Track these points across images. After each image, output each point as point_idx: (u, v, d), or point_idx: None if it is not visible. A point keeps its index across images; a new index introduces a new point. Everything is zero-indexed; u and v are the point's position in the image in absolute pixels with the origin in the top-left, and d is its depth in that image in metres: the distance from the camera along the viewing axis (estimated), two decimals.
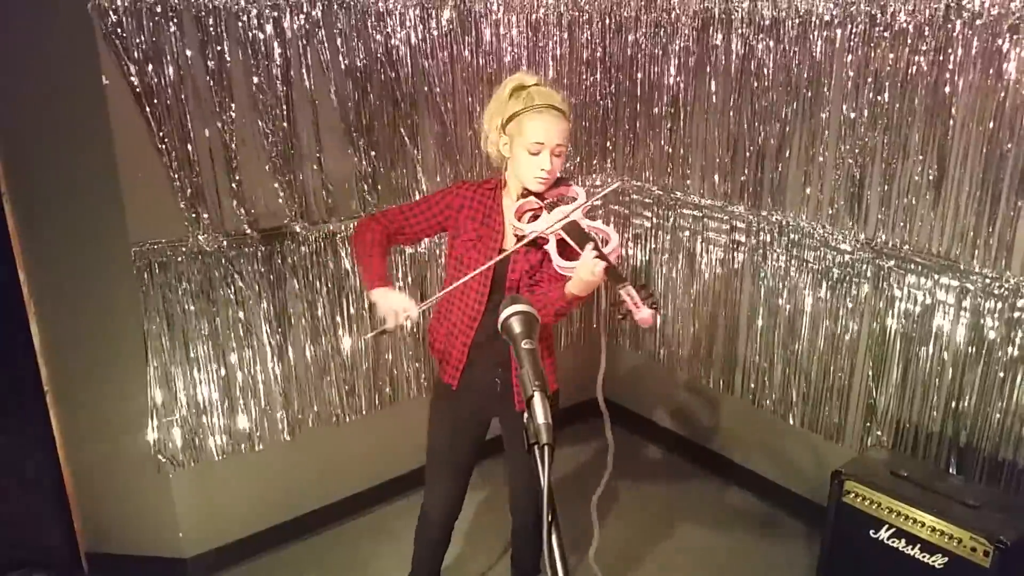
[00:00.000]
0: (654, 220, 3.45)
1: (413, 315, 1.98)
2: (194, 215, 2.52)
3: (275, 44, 2.52)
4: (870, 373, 2.82)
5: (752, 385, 3.22)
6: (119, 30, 2.26)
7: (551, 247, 2.03)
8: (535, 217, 2.08)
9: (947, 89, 2.42)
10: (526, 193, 2.08)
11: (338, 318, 2.91)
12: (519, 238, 2.07)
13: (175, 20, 2.34)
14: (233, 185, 2.57)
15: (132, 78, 2.31)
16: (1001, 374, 2.47)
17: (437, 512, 2.33)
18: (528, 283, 2.10)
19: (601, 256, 1.91)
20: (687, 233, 3.33)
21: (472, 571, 2.89)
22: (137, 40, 2.29)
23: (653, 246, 3.49)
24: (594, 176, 3.54)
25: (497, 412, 2.29)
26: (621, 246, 2.08)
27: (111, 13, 2.24)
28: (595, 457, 3.56)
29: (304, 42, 2.58)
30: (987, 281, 2.44)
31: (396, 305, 1.97)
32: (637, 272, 3.62)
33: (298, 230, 2.74)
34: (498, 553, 2.96)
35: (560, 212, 2.04)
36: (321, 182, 2.75)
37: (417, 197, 2.94)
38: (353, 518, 3.16)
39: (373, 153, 2.83)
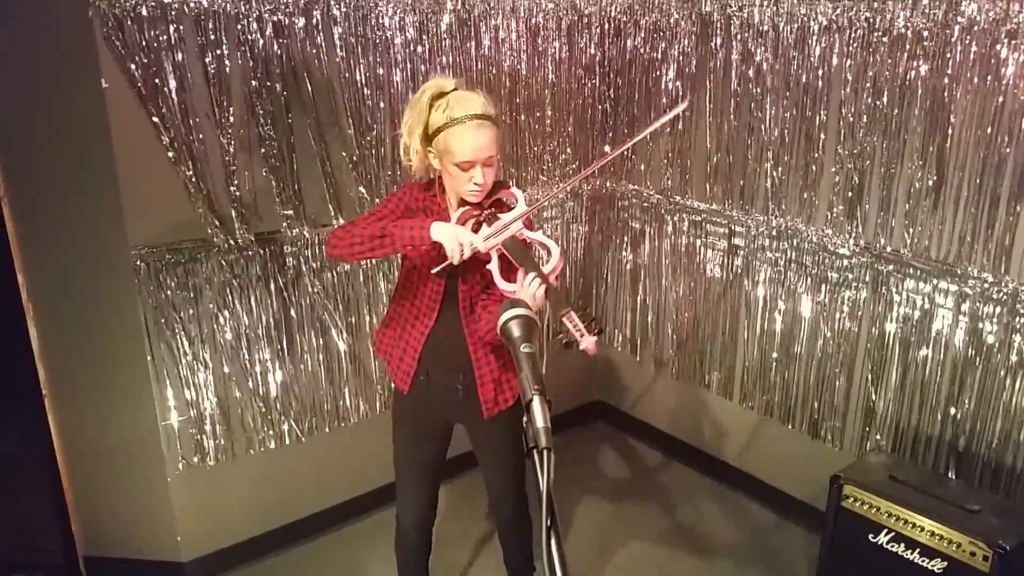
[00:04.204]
0: (652, 224, 3.45)
1: (480, 247, 1.87)
2: (194, 218, 2.52)
3: (275, 47, 2.53)
4: (869, 377, 2.82)
5: (751, 389, 3.22)
6: (120, 32, 2.26)
7: (493, 265, 1.93)
8: (478, 224, 1.97)
9: (945, 94, 2.42)
10: (463, 201, 1.99)
11: (338, 321, 2.91)
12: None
13: (175, 23, 2.34)
14: (232, 188, 2.58)
15: (134, 80, 2.31)
16: (1000, 377, 2.47)
17: (410, 519, 2.31)
18: (482, 297, 2.03)
19: (541, 277, 1.84)
20: (685, 238, 3.33)
21: None
22: (137, 43, 2.29)
23: (651, 250, 3.49)
24: (592, 180, 3.55)
25: (461, 419, 2.24)
26: (563, 260, 1.94)
27: (112, 15, 2.24)
28: (586, 461, 3.56)
29: (302, 45, 2.59)
30: (986, 286, 2.45)
31: (462, 237, 1.85)
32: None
33: (298, 233, 2.74)
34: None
35: (498, 226, 1.92)
36: (320, 185, 2.75)
37: None
38: (351, 522, 3.16)
39: (370, 155, 2.83)
